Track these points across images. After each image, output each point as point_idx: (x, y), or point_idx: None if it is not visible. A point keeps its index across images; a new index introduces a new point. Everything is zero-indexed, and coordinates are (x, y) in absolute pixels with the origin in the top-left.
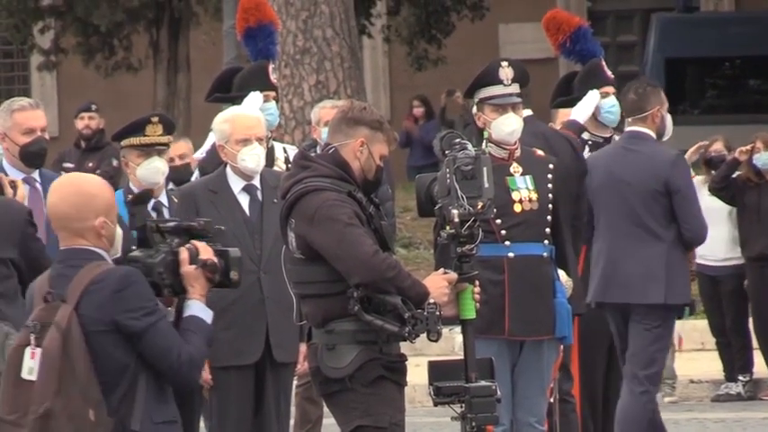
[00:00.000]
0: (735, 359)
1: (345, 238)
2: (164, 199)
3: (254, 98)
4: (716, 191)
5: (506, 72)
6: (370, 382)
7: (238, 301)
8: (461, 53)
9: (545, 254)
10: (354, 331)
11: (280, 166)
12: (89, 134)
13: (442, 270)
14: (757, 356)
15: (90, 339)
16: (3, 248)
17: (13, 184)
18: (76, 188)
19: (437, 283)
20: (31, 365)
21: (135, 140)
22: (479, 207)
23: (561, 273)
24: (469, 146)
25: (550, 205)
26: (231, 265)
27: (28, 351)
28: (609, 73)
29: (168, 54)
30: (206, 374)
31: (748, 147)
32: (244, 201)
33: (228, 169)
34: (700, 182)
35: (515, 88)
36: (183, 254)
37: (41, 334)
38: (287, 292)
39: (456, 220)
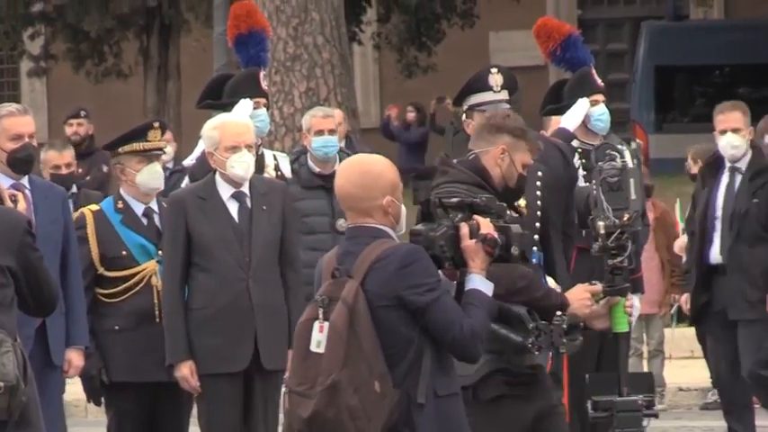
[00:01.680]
0: None
1: None
2: (154, 205)
3: (245, 105)
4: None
5: (496, 79)
6: (490, 400)
7: (227, 309)
8: (451, 60)
9: (534, 260)
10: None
11: (270, 173)
12: (77, 140)
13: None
14: None
15: (375, 314)
16: (1, 256)
17: (14, 198)
18: (363, 168)
19: (579, 295)
20: (319, 339)
21: (137, 146)
22: (626, 219)
23: (550, 280)
24: (618, 157)
25: (539, 212)
26: (512, 241)
27: (316, 325)
28: (599, 81)
29: (158, 60)
30: (194, 381)
31: None
32: (233, 208)
33: (218, 176)
34: None
35: (505, 95)
36: (464, 229)
37: (329, 308)
38: (276, 299)
39: (602, 231)
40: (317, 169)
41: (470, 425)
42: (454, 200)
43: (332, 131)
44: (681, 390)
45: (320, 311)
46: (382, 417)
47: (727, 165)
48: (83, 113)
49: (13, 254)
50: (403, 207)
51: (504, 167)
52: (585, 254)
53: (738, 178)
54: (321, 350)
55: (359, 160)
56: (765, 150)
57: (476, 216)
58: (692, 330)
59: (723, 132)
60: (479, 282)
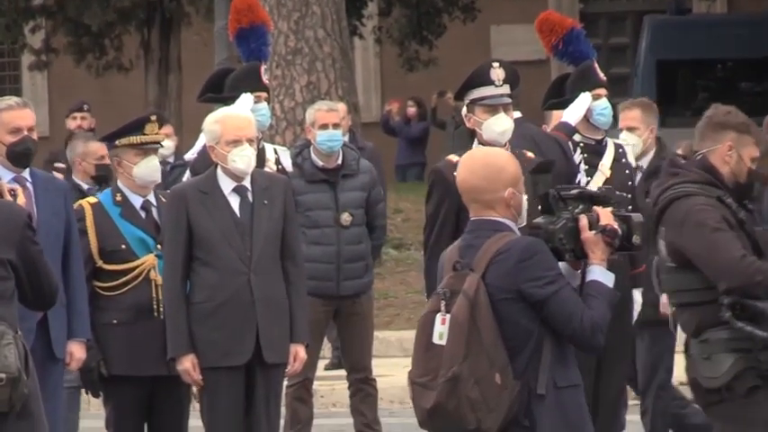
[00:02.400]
0: None
1: (712, 243)
2: (152, 198)
3: (246, 99)
4: None
5: (498, 73)
6: (747, 391)
7: (228, 303)
8: (453, 55)
9: None
10: (728, 339)
11: (271, 167)
12: None
13: None
14: None
15: (496, 306)
16: (2, 249)
17: (14, 192)
18: (486, 161)
19: None
20: (441, 331)
21: (135, 139)
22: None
23: None
24: None
25: (540, 207)
26: (634, 230)
27: (438, 317)
28: (601, 75)
29: (159, 54)
30: (196, 375)
31: None
32: (234, 202)
33: (219, 170)
34: None
35: (506, 89)
36: (583, 220)
37: (451, 301)
38: (277, 293)
39: None
40: (320, 163)
41: (735, 420)
42: (574, 191)
43: (336, 125)
44: (682, 384)
45: (443, 304)
46: (503, 408)
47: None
48: (86, 107)
49: (14, 247)
50: (525, 199)
51: (732, 164)
52: None
53: (638, 177)
54: (443, 342)
55: (482, 153)
56: None
57: (595, 207)
58: None
59: (620, 130)
60: (600, 273)
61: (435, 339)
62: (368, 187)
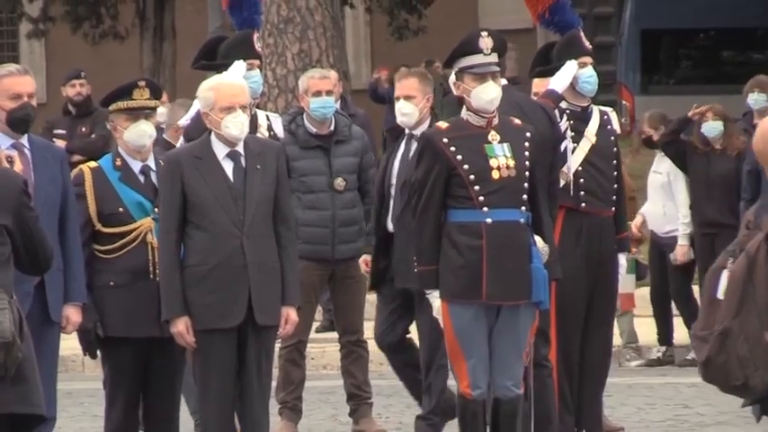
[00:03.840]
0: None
1: None
2: (151, 162)
3: (239, 66)
4: (664, 145)
5: (486, 42)
6: None
7: (221, 266)
8: (442, 24)
9: (522, 220)
10: None
11: (263, 133)
12: (80, 100)
13: None
14: None
15: None
16: None
17: (10, 159)
18: None
19: None
20: (723, 286)
21: (122, 104)
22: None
23: (537, 238)
24: None
25: (527, 172)
26: None
27: (724, 273)
28: (587, 43)
29: (154, 23)
30: (189, 337)
31: (701, 110)
32: (228, 167)
33: (213, 136)
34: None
35: (494, 58)
36: None
37: (737, 258)
38: (269, 256)
39: None
40: (313, 130)
41: None
42: None
43: (329, 92)
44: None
45: (729, 260)
46: None
47: (406, 132)
48: (82, 74)
49: (10, 213)
50: None
51: None
52: (573, 213)
53: (414, 146)
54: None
55: None
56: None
57: None
58: (646, 289)
59: (397, 99)
60: None
61: (719, 294)
62: (360, 153)
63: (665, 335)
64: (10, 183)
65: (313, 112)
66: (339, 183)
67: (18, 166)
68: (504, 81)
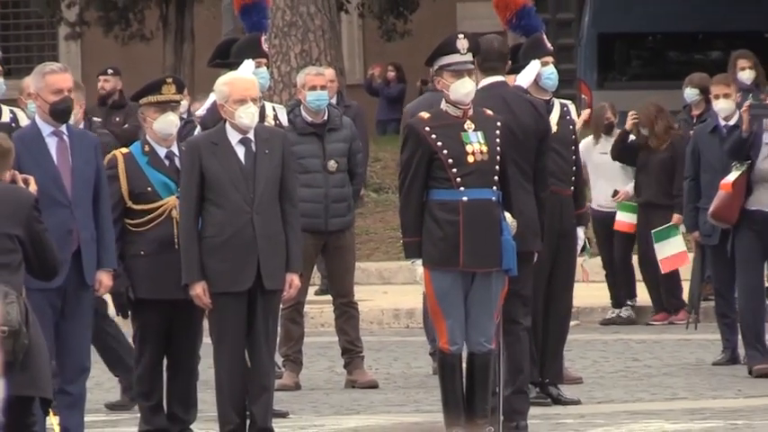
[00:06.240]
0: (621, 289)
1: None
2: (175, 149)
3: (249, 64)
4: (617, 159)
5: (462, 43)
6: None
7: (234, 237)
8: (425, 27)
9: (493, 198)
10: None
11: (269, 122)
12: (104, 93)
13: None
14: (640, 287)
15: None
16: (11, 226)
17: (26, 181)
18: None
19: None
20: None
21: (152, 98)
22: None
23: (507, 214)
24: None
25: (498, 156)
26: None
27: None
28: (549, 45)
29: (175, 26)
30: (206, 299)
31: (632, 120)
32: (240, 151)
33: (227, 125)
34: (589, 143)
35: (470, 57)
36: None
37: None
38: (275, 229)
39: None
40: (309, 119)
41: None
42: None
43: (323, 87)
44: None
45: None
46: None
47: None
48: (110, 71)
49: (22, 225)
50: None
51: None
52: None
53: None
54: None
55: None
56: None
57: None
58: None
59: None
60: None
61: None
62: (349, 140)
63: (616, 297)
64: (23, 199)
65: (309, 104)
66: (332, 165)
67: (33, 187)
68: (500, 78)
